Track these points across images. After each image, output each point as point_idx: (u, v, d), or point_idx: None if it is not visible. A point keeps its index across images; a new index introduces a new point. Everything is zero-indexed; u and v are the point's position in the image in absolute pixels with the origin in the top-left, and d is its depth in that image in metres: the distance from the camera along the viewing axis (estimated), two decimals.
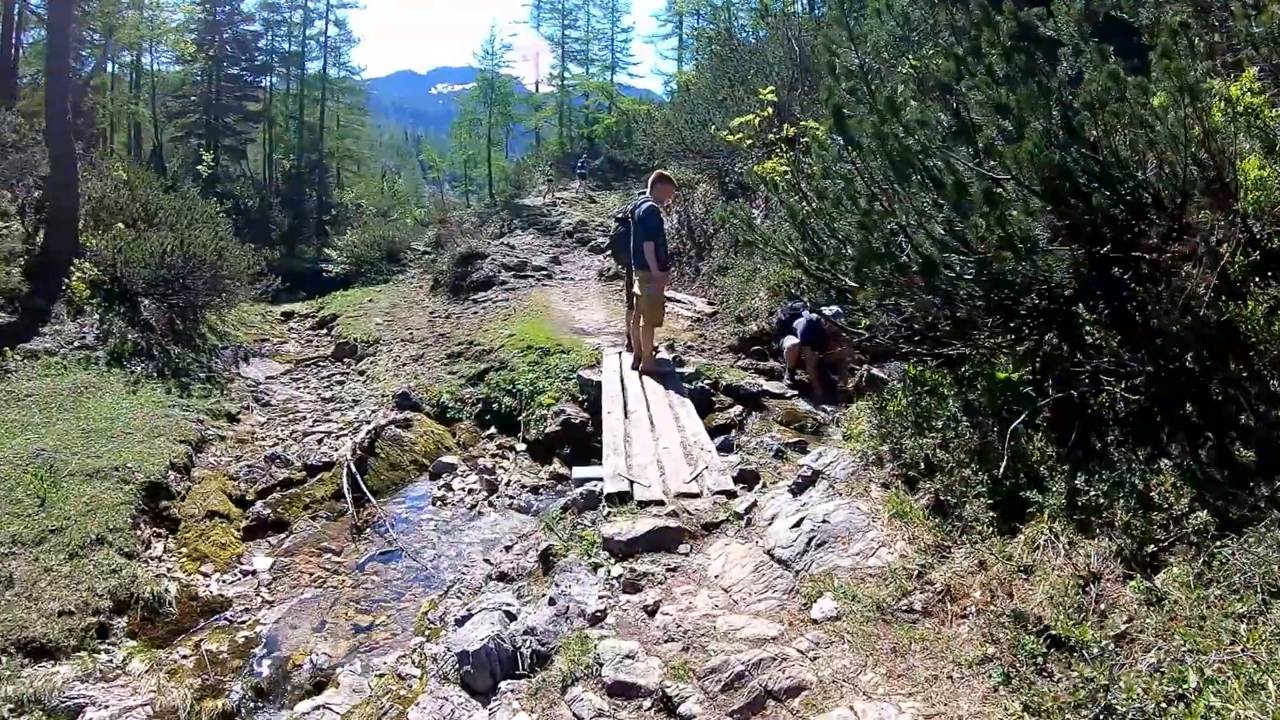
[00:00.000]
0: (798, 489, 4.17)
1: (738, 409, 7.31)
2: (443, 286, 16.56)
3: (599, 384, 7.19)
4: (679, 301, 12.00)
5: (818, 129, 5.19)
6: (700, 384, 7.51)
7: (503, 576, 4.56)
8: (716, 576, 3.74)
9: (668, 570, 3.84)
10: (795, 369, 8.32)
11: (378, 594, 5.71)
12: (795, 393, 7.91)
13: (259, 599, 5.96)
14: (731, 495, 4.57)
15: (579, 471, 5.16)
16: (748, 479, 4.80)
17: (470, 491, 6.96)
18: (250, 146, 35.58)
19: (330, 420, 9.18)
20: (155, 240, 12.08)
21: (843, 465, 4.20)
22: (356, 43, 39.97)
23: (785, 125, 6.44)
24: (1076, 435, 3.55)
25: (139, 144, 31.08)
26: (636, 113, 31.51)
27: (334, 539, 6.62)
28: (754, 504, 4.30)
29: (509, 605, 4.00)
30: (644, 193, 7.51)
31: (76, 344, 10.72)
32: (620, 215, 8.02)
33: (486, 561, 5.38)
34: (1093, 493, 3.17)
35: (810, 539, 3.64)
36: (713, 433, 6.91)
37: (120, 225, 12.97)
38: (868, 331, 4.71)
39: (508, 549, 5.34)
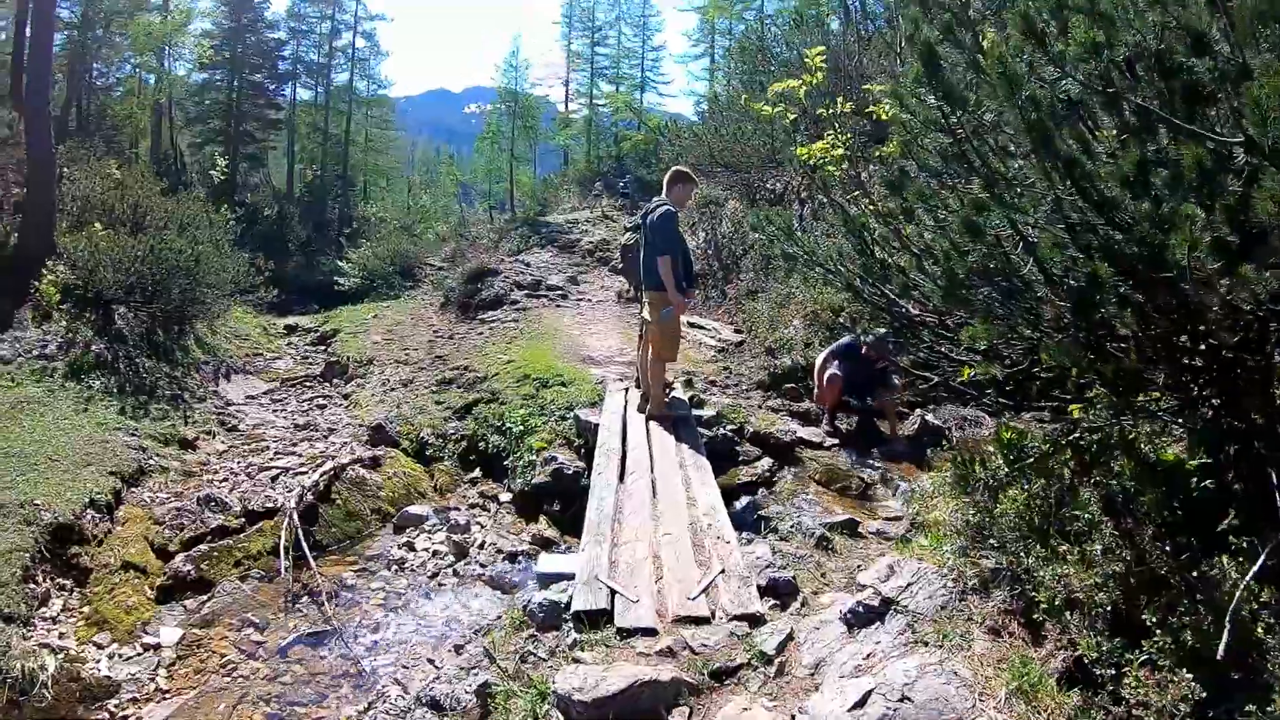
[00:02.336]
0: (857, 620, 2.85)
1: (766, 462, 5.99)
2: (452, 304, 15.49)
3: (598, 427, 5.90)
4: (702, 329, 10.71)
5: (883, 99, 3.91)
6: (722, 430, 6.20)
7: (434, 705, 3.26)
8: None
9: None
10: (833, 411, 6.99)
11: (295, 693, 4.44)
12: (835, 442, 6.57)
13: (153, 685, 4.73)
14: (757, 621, 3.16)
15: (545, 563, 3.81)
16: (781, 594, 3.41)
17: (435, 554, 5.69)
18: (272, 157, 35.05)
19: (295, 452, 7.99)
20: (129, 243, 11.05)
21: (925, 591, 2.86)
22: (385, 56, 39.32)
23: (840, 99, 5.08)
24: None
25: (159, 150, 30.60)
26: (664, 129, 30.52)
27: (262, 607, 5.38)
28: (789, 638, 2.95)
29: None
30: (659, 197, 6.21)
31: (35, 353, 9.67)
32: (633, 224, 6.75)
33: (431, 663, 4.09)
34: None
35: None
36: (735, 492, 5.60)
37: (97, 225, 11.99)
38: (967, 387, 3.40)
39: (458, 649, 4.06)
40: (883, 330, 5.23)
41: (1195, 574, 2.41)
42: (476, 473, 7.27)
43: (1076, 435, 3.36)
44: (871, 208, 3.45)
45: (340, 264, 24.29)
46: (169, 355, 11.41)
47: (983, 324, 2.53)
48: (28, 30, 14.05)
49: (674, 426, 5.64)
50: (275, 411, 10.12)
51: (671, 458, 4.87)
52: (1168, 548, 2.50)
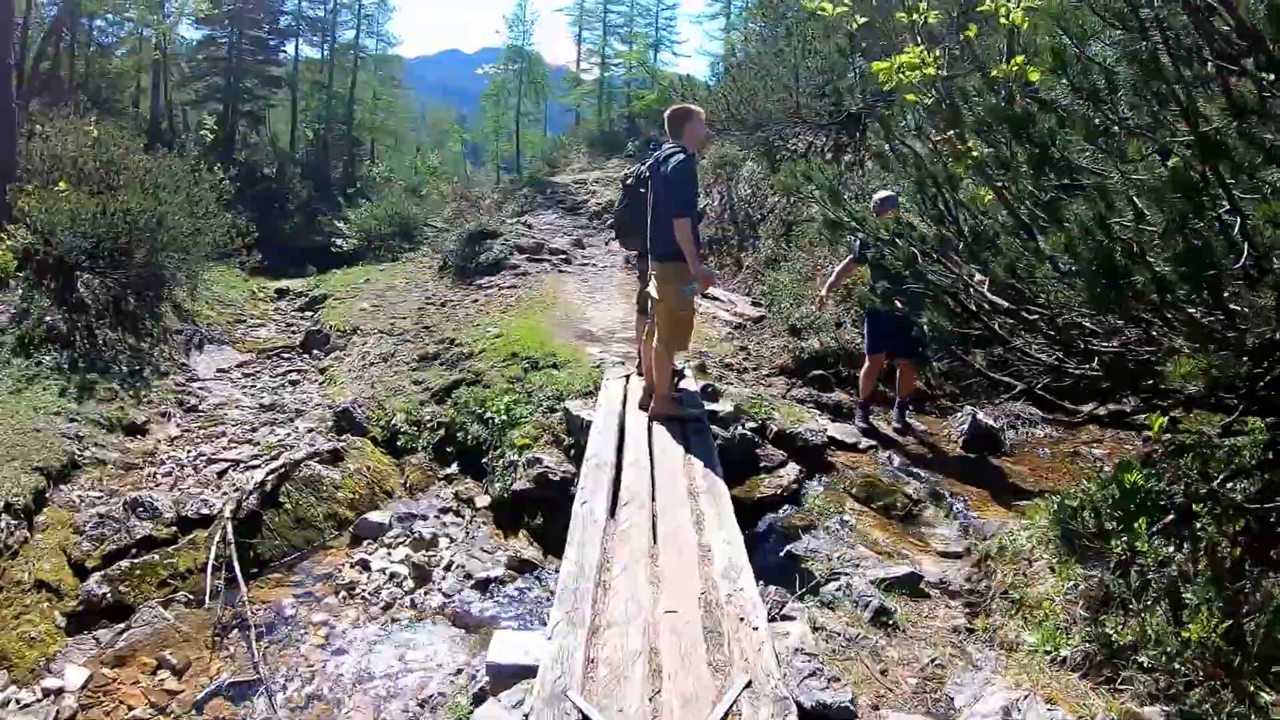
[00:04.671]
0: None
1: (792, 469, 4.99)
2: (449, 268, 14.52)
3: (589, 425, 4.89)
4: (717, 301, 9.67)
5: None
6: (741, 429, 5.18)
7: None
8: None
9: None
10: (869, 404, 5.97)
11: None
12: (872, 443, 5.57)
13: None
14: None
15: (500, 649, 2.73)
16: (831, 719, 2.42)
17: (392, 577, 4.76)
18: (275, 116, 33.93)
19: (253, 439, 7.06)
20: (89, 203, 10.07)
21: None
22: (392, 11, 37.83)
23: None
24: None
25: (158, 109, 29.55)
26: (678, 87, 29.18)
27: (185, 642, 4.48)
28: None
29: None
30: (667, 142, 4.87)
31: None
32: (630, 177, 5.60)
33: None
34: None
35: None
36: (755, 509, 4.62)
37: (61, 185, 11.01)
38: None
39: None
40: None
41: None
42: (453, 468, 6.31)
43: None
44: (970, 155, 2.44)
45: (337, 224, 23.37)
46: (137, 325, 10.51)
47: (1199, 355, 1.51)
48: None
49: (682, 430, 4.58)
50: (244, 388, 9.21)
51: (679, 480, 3.82)
52: None
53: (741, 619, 2.45)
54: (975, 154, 2.48)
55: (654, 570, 2.88)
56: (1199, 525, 2.35)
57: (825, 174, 3.46)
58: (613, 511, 3.50)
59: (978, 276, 3.39)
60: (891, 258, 3.46)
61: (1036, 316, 2.86)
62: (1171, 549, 2.32)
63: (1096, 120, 2.05)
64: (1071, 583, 2.45)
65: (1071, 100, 2.14)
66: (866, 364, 5.88)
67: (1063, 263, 2.26)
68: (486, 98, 36.23)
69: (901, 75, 2.71)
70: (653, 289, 4.91)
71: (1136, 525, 2.28)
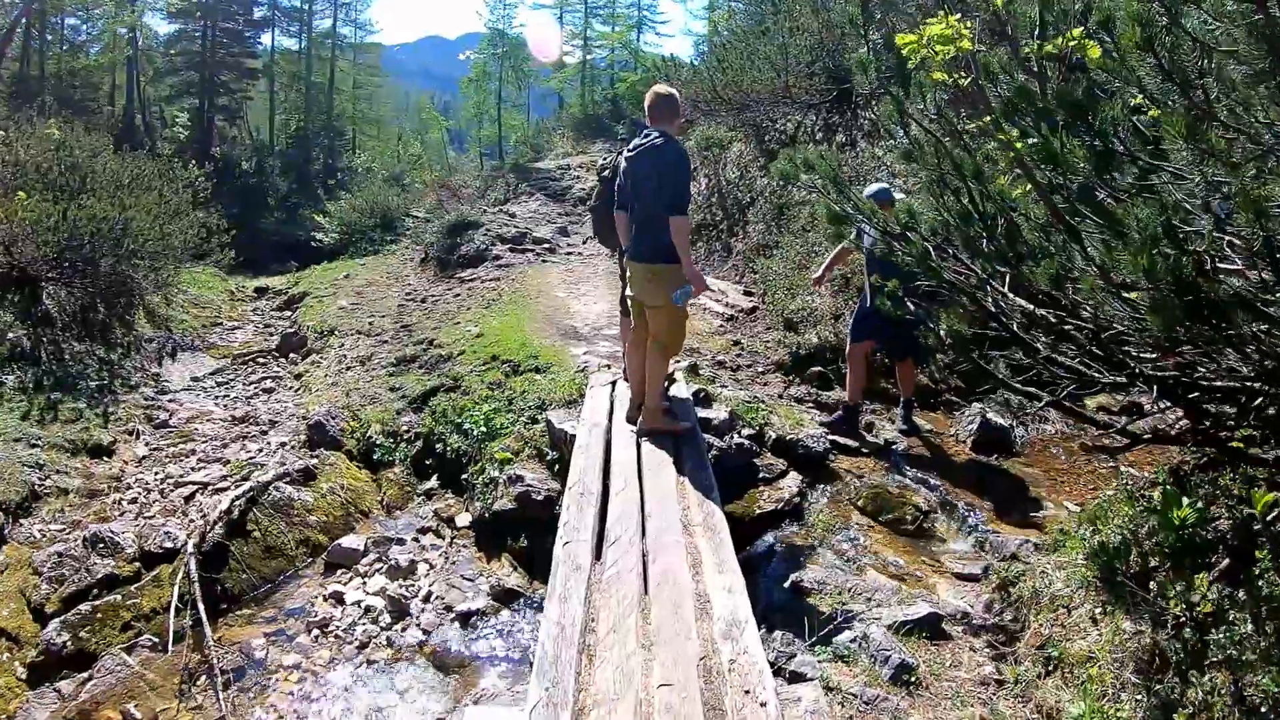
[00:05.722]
0: None
1: (793, 479, 4.68)
2: (430, 261, 14.16)
3: (573, 439, 4.55)
4: (707, 290, 9.31)
5: None
6: (737, 437, 4.86)
7: None
8: None
9: None
10: (857, 409, 5.55)
11: None
12: (854, 443, 5.24)
13: None
14: None
15: None
16: None
17: (368, 611, 4.44)
18: (252, 109, 33.23)
19: (223, 456, 6.72)
20: (49, 211, 9.65)
21: None
22: None
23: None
24: None
25: (133, 107, 28.88)
26: (662, 67, 28.64)
27: (151, 691, 4.18)
28: None
29: None
30: (647, 130, 4.40)
31: None
32: (608, 169, 5.21)
33: None
34: None
35: None
36: (755, 526, 4.32)
37: (21, 194, 10.56)
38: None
39: None
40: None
41: None
42: (433, 482, 5.98)
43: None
44: (1015, 145, 2.10)
45: (317, 218, 22.86)
46: (107, 336, 10.14)
47: None
48: None
49: (674, 446, 4.24)
50: (217, 398, 8.85)
51: (671, 509, 3.40)
52: None
53: (747, 691, 2.13)
54: (1019, 145, 2.14)
55: (645, 629, 2.55)
56: (1257, 573, 2.05)
57: (828, 161, 3.11)
58: (599, 550, 3.17)
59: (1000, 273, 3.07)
60: (903, 254, 3.14)
61: (1071, 326, 2.54)
62: (1228, 603, 2.02)
63: (1191, 112, 1.71)
64: (1117, 639, 2.15)
65: (1160, 83, 1.79)
66: (848, 355, 5.48)
67: (1120, 273, 1.94)
68: (468, 83, 35.59)
69: (931, 49, 2.34)
70: (642, 293, 4.52)
71: (1197, 579, 1.98)
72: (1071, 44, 2.02)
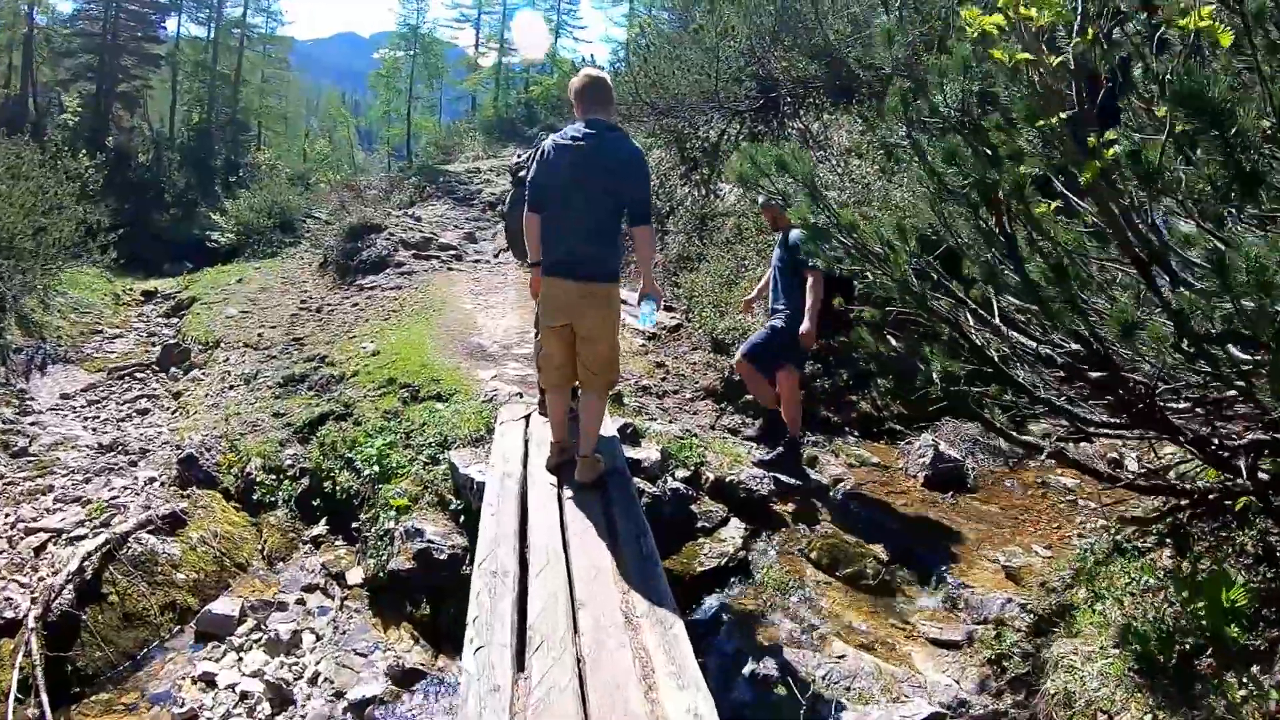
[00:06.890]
0: None
1: (736, 527, 4.15)
2: (330, 265, 13.14)
3: (481, 488, 3.85)
4: (625, 305, 8.73)
5: None
6: (672, 482, 4.28)
7: None
8: None
9: None
10: (795, 438, 4.96)
11: None
12: (798, 482, 4.73)
13: None
14: None
15: None
16: None
17: (245, 698, 3.64)
18: (153, 98, 30.74)
19: (84, 494, 5.69)
20: None
21: None
22: None
23: None
24: None
25: (27, 89, 26.13)
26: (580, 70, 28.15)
27: None
28: None
29: None
30: (578, 122, 3.59)
31: None
32: (523, 167, 4.53)
33: None
34: None
35: None
36: (696, 586, 3.76)
37: None
38: None
39: None
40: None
41: None
42: (321, 527, 5.17)
43: None
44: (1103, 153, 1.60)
45: (212, 217, 21.21)
46: None
47: None
48: None
49: (603, 499, 3.60)
50: (86, 420, 7.72)
51: (610, 595, 2.72)
52: None
53: None
54: (1109, 151, 1.66)
55: None
56: None
57: (804, 163, 2.59)
58: (520, 657, 2.48)
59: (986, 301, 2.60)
60: (882, 276, 2.65)
61: (1102, 374, 2.08)
62: None
63: None
64: None
65: None
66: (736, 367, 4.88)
67: (1201, 323, 1.47)
68: (378, 79, 34.17)
69: (1011, 13, 1.82)
70: (582, 321, 3.66)
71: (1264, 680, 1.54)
72: (1203, 24, 1.54)
